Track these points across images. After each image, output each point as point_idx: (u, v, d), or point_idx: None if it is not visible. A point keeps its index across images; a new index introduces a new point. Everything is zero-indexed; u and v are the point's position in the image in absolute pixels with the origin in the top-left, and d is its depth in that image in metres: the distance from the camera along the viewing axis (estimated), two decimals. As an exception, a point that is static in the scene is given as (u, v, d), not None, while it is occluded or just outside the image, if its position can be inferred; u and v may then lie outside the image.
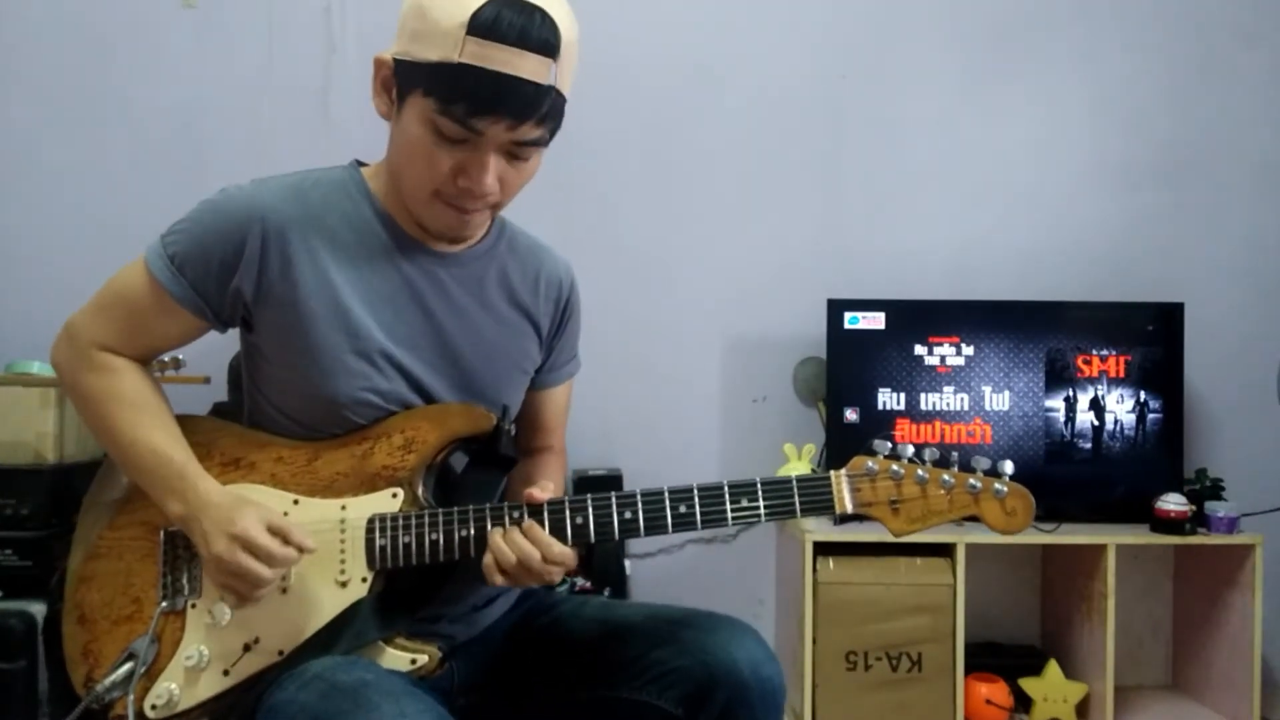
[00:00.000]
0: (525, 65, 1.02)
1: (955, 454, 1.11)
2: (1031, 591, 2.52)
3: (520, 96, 1.03)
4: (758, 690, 1.10)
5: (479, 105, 1.03)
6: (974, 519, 1.10)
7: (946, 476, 1.08)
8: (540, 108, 1.05)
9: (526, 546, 1.08)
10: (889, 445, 1.10)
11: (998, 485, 1.08)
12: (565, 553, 1.10)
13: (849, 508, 1.10)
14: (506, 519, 1.11)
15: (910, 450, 1.10)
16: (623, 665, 1.16)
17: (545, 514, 1.11)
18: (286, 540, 1.07)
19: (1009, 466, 1.09)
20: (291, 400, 1.18)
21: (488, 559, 1.09)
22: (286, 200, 1.15)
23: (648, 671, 1.14)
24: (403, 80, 1.08)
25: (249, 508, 1.09)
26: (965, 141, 2.56)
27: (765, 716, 1.11)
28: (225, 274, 1.14)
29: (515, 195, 1.17)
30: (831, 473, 1.10)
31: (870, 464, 1.10)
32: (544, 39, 1.02)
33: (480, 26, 1.00)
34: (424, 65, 1.04)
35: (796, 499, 1.10)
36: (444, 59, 1.02)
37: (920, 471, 1.09)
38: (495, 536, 1.09)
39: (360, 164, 1.24)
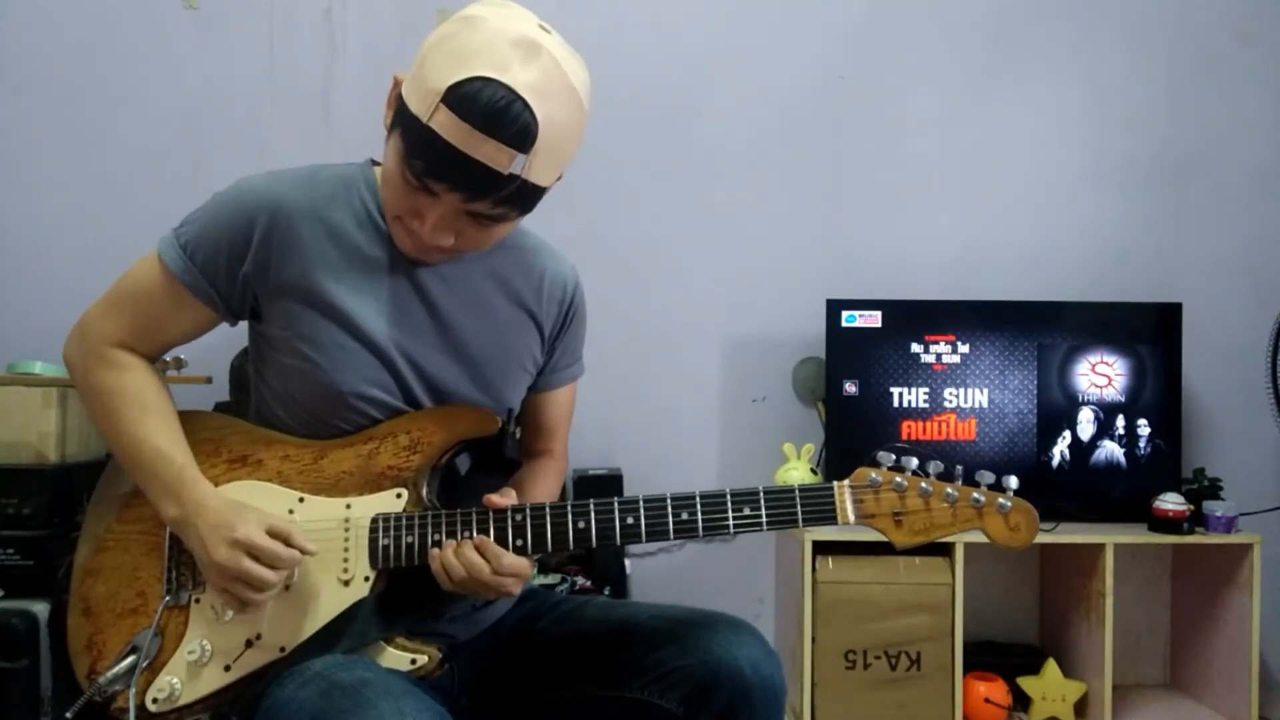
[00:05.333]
0: (485, 150, 1.02)
1: (960, 467, 1.11)
2: (1030, 590, 2.53)
3: (475, 177, 1.03)
4: (759, 690, 1.11)
5: (434, 170, 1.05)
6: (977, 533, 1.10)
7: (950, 490, 1.09)
8: (496, 191, 1.05)
9: (476, 561, 1.09)
10: (893, 457, 1.11)
11: (1001, 500, 1.09)
12: (517, 563, 1.10)
13: (851, 519, 1.10)
14: (510, 523, 1.11)
15: (914, 463, 1.10)
16: (624, 665, 1.17)
17: (528, 518, 1.11)
18: (288, 543, 1.08)
19: (1013, 481, 1.10)
20: (298, 392, 1.18)
21: (435, 567, 1.10)
22: (297, 191, 1.17)
23: (650, 671, 1.15)
24: (397, 110, 1.09)
25: (248, 512, 1.09)
26: (964, 142, 2.57)
27: (767, 716, 1.11)
28: (235, 261, 1.15)
29: (481, 248, 1.18)
30: (835, 484, 1.11)
31: (874, 475, 1.10)
32: (516, 131, 1.01)
33: (454, 100, 1.01)
34: (406, 110, 1.05)
35: (799, 509, 1.10)
36: (418, 114, 1.03)
37: (924, 484, 1.10)
38: (446, 552, 1.10)
39: (375, 163, 1.25)
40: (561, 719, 1.23)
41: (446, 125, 1.01)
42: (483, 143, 1.01)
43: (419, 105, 1.03)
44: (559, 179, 1.14)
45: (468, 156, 1.02)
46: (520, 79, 1.01)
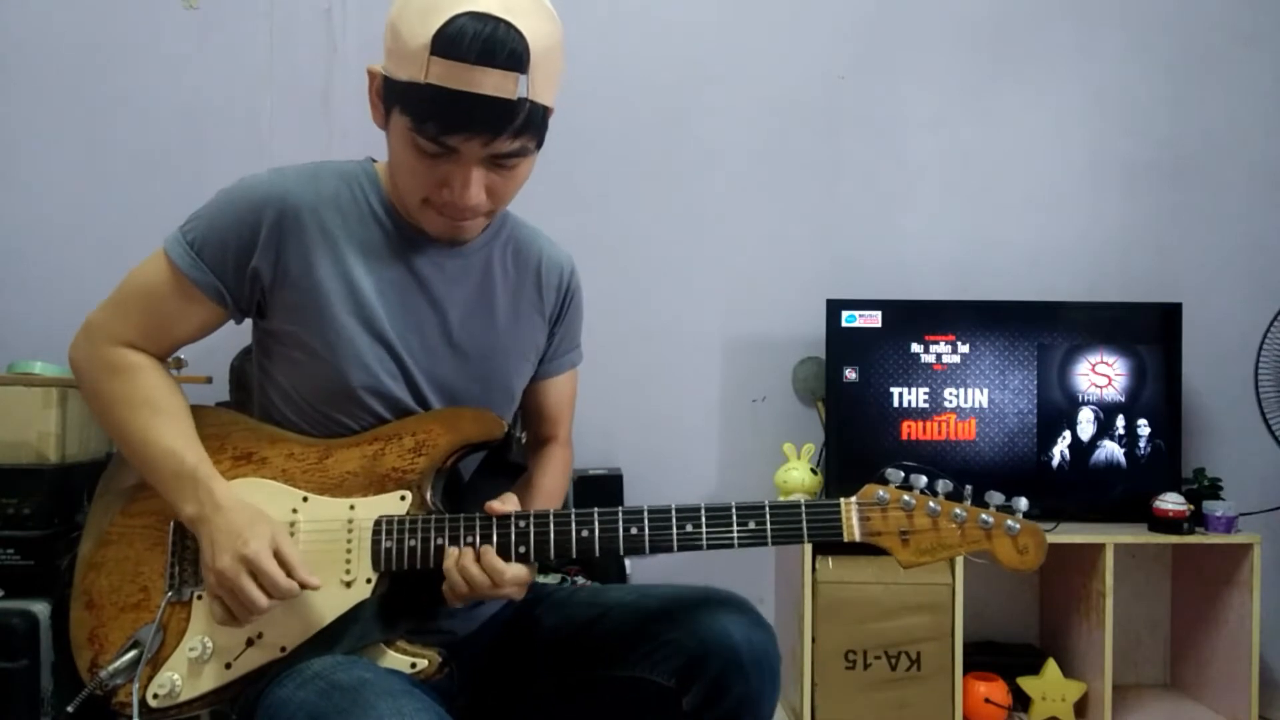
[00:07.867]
0: (489, 82, 1.02)
1: (969, 487, 1.11)
2: (1030, 590, 2.53)
3: (489, 113, 1.04)
4: (749, 656, 1.11)
5: (449, 124, 1.04)
6: (985, 554, 1.09)
7: (958, 510, 1.08)
8: (513, 121, 1.05)
9: (477, 575, 1.09)
10: (901, 474, 1.10)
11: (1010, 522, 1.08)
12: (517, 575, 1.11)
13: (857, 536, 1.10)
14: (514, 530, 1.11)
15: (923, 481, 1.10)
16: (616, 643, 1.18)
17: (531, 526, 1.11)
18: (291, 574, 1.07)
19: (1023, 503, 1.09)
20: (305, 387, 1.18)
21: (445, 589, 1.10)
22: (301, 186, 1.17)
23: (640, 647, 1.16)
24: (386, 95, 1.10)
25: (262, 526, 1.08)
26: (964, 142, 2.56)
27: (759, 681, 1.12)
28: (243, 256, 1.15)
29: (510, 199, 1.19)
30: (841, 500, 1.11)
31: (881, 493, 1.10)
32: (509, 53, 1.02)
33: (442, 46, 1.01)
34: (398, 84, 1.06)
35: (804, 525, 1.10)
36: (413, 79, 1.03)
37: (932, 504, 1.09)
38: (451, 570, 1.10)
39: (374, 160, 1.25)
40: (558, 704, 1.23)
41: (445, 73, 1.01)
42: (485, 75, 1.01)
43: (411, 70, 1.03)
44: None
45: (475, 95, 1.02)
46: (492, 4, 1.02)
